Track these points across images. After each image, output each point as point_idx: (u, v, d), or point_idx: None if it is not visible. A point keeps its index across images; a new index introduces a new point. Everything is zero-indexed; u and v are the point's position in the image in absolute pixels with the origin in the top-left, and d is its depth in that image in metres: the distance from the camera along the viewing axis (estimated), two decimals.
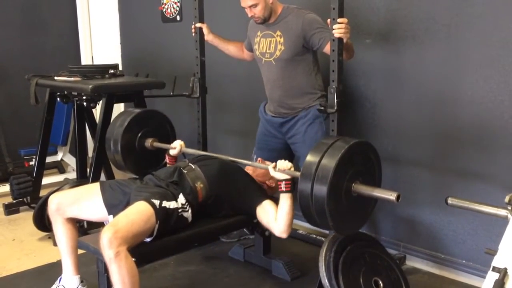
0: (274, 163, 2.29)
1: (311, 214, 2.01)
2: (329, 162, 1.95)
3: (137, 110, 2.95)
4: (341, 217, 2.01)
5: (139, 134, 2.88)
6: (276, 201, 2.36)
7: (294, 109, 2.80)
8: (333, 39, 2.29)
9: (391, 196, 1.93)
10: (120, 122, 2.85)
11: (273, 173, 2.29)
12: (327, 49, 2.47)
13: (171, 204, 2.22)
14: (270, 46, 2.77)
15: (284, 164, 2.27)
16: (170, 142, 2.84)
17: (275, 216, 2.31)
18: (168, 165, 2.77)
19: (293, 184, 2.25)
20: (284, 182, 2.25)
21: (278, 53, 2.73)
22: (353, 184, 2.01)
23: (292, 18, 2.70)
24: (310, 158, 2.02)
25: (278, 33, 2.73)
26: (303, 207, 2.02)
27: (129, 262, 1.97)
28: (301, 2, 2.92)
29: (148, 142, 2.89)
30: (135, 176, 2.72)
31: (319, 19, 2.65)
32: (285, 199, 2.26)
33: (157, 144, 2.88)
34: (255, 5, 2.68)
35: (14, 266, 2.93)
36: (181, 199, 2.28)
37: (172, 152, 2.76)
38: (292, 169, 2.26)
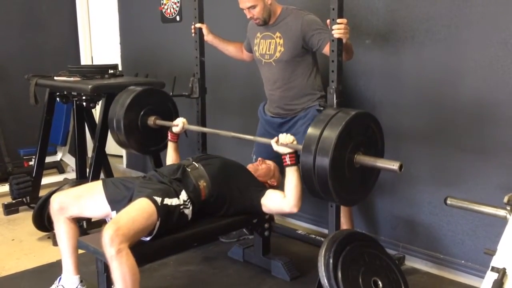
0: (276, 138, 2.31)
1: (314, 187, 2.01)
2: (331, 134, 1.95)
3: (138, 89, 2.95)
4: (344, 189, 2.02)
5: (141, 113, 2.89)
6: None
7: (294, 110, 2.81)
8: (333, 39, 2.29)
9: (394, 166, 1.92)
10: (122, 102, 2.86)
11: (276, 147, 2.30)
12: (326, 50, 2.48)
13: (173, 201, 2.23)
14: (270, 47, 2.77)
15: (286, 138, 2.28)
16: (172, 119, 2.85)
17: (282, 195, 2.33)
18: (170, 143, 2.81)
19: (297, 157, 2.27)
20: (288, 155, 2.27)
21: (278, 54, 2.74)
22: (355, 155, 2.01)
23: (291, 20, 2.70)
24: (311, 131, 2.02)
25: (278, 34, 2.73)
26: (306, 180, 2.03)
27: (131, 260, 1.97)
28: (301, 3, 2.92)
29: (151, 120, 2.90)
30: (138, 152, 2.76)
31: (318, 20, 2.65)
32: (292, 172, 2.28)
33: (160, 122, 2.89)
34: (253, 7, 2.68)
35: (14, 266, 2.94)
36: (183, 195, 2.29)
37: (175, 129, 2.78)
38: (295, 142, 2.27)
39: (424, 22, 2.66)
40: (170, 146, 2.83)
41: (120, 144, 2.95)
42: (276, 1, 2.78)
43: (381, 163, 1.98)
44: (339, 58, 2.30)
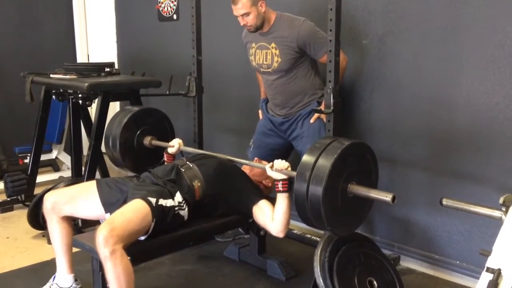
0: (271, 163, 2.30)
1: (306, 215, 2.01)
2: (325, 163, 1.95)
3: (136, 108, 2.95)
4: (336, 218, 2.02)
5: (138, 132, 2.89)
6: (272, 201, 2.36)
7: (297, 110, 2.85)
8: (330, 39, 2.30)
9: (387, 197, 1.94)
10: (119, 120, 2.86)
11: (270, 172, 2.29)
12: (323, 59, 2.50)
13: (168, 202, 2.22)
14: (266, 57, 2.79)
15: (281, 164, 2.26)
16: (168, 140, 2.84)
17: (271, 216, 2.30)
18: (166, 163, 2.77)
19: (289, 184, 2.25)
20: (281, 182, 2.25)
21: (275, 64, 2.77)
22: (349, 185, 2.01)
23: (286, 29, 2.72)
24: (306, 158, 2.02)
25: (273, 45, 2.75)
26: (298, 207, 2.02)
27: (125, 260, 1.97)
28: (299, 3, 2.92)
29: (147, 140, 2.89)
30: (132, 174, 2.72)
31: (314, 28, 2.68)
32: (282, 199, 2.26)
33: (156, 142, 2.89)
34: (247, 14, 2.69)
35: (8, 264, 2.93)
36: (178, 197, 2.28)
37: (171, 150, 2.76)
38: (289, 169, 2.26)
39: (421, 24, 2.67)
40: None
41: (115, 162, 2.94)
42: (274, 4, 2.77)
43: (375, 193, 1.99)
44: (336, 58, 2.31)
